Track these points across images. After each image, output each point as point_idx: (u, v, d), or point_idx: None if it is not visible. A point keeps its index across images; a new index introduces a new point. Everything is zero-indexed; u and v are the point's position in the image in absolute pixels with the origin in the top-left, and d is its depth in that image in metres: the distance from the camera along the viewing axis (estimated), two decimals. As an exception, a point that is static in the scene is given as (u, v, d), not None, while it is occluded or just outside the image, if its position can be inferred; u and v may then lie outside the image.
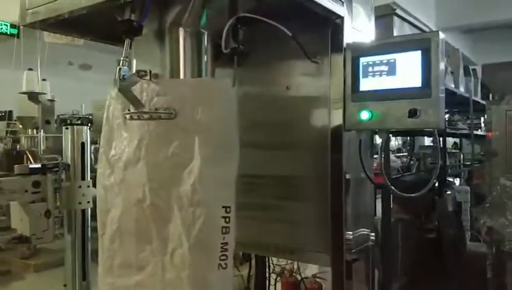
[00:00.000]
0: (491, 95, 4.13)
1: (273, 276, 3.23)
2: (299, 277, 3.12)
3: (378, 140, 4.74)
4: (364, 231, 2.11)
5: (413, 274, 4.07)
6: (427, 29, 4.18)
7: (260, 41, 2.09)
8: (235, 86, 1.78)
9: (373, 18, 2.34)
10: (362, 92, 1.79)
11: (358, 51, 1.81)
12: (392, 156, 4.69)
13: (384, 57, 1.74)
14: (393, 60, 1.73)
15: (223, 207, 1.64)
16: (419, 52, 1.67)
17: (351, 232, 1.96)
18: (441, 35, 1.73)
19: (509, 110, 3.38)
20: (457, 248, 4.46)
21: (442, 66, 1.74)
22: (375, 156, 4.45)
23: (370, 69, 1.77)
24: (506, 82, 3.52)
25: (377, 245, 3.73)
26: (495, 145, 3.55)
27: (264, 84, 2.31)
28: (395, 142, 6.31)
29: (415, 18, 4.68)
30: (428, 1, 6.40)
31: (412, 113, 1.66)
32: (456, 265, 4.28)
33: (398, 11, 3.79)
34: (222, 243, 1.62)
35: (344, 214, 1.92)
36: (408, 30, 3.94)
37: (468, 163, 5.11)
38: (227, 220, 1.63)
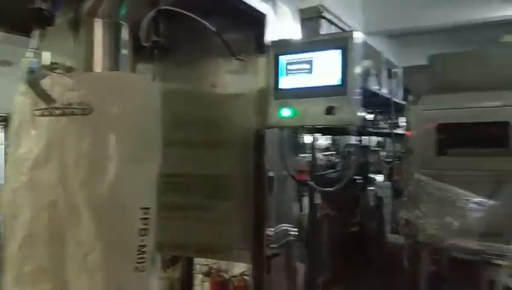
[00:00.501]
0: (410, 96, 4.41)
1: (201, 276, 3.20)
2: (227, 276, 3.12)
3: (307, 139, 4.90)
4: (285, 226, 2.15)
5: (338, 266, 4.25)
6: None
7: (185, 38, 2.05)
8: (158, 82, 1.72)
9: (298, 19, 2.39)
10: (283, 90, 1.82)
11: (279, 49, 1.84)
12: (320, 155, 4.84)
13: (303, 56, 1.78)
14: (311, 59, 1.77)
15: (141, 209, 1.58)
16: (335, 52, 1.73)
17: (272, 229, 1.99)
18: (357, 35, 1.80)
19: (425, 110, 3.61)
20: (378, 240, 4.73)
21: (358, 65, 1.81)
22: (304, 155, 4.61)
23: (290, 67, 1.81)
24: (422, 83, 3.77)
25: (302, 240, 3.86)
26: (412, 143, 3.78)
27: (189, 81, 2.27)
28: (324, 141, 6.50)
29: (342, 21, 4.88)
30: (356, 6, 6.73)
31: (329, 111, 1.72)
32: (377, 256, 4.54)
33: (326, 14, 3.93)
34: (140, 246, 1.56)
35: (266, 211, 1.94)
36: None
37: (390, 160, 5.43)
38: (146, 222, 1.57)
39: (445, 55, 3.79)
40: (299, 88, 1.80)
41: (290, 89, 1.82)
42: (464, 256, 3.32)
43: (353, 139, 5.93)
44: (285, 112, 1.81)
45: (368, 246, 4.70)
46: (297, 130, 2.10)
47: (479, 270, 3.17)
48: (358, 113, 1.77)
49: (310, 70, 1.78)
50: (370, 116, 5.49)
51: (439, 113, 3.51)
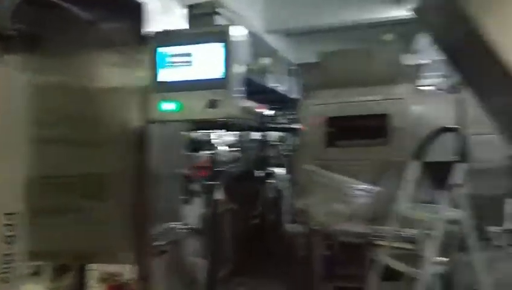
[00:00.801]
0: (304, 92, 4.65)
1: (95, 283, 3.02)
2: (123, 280, 2.99)
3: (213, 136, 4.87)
4: (173, 224, 2.11)
5: (239, 258, 4.33)
6: (251, 31, 4.46)
7: (59, 27, 1.90)
8: (28, 74, 1.57)
9: (185, 12, 2.36)
10: (163, 83, 1.78)
11: (159, 41, 1.79)
12: (223, 150, 4.87)
13: (184, 48, 1.76)
14: (191, 51, 1.76)
15: (6, 214, 1.43)
16: (216, 44, 1.73)
17: (159, 227, 1.94)
18: (237, 29, 1.81)
19: (315, 105, 3.81)
20: (277, 231, 4.91)
21: (241, 58, 1.83)
22: (209, 151, 4.59)
23: (170, 59, 1.77)
24: (314, 79, 3.96)
25: (204, 236, 3.85)
26: (304, 136, 3.97)
27: (67, 74, 2.10)
28: (231, 137, 6.52)
29: (242, 19, 4.94)
30: (257, 5, 6.89)
31: (211, 104, 1.72)
32: (276, 245, 4.71)
33: (221, 11, 3.94)
34: (6, 254, 1.42)
35: (149, 211, 1.89)
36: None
37: (288, 154, 5.67)
38: (11, 228, 1.43)
39: (332, 52, 4.03)
40: (180, 81, 1.77)
41: (171, 82, 1.78)
42: (351, 239, 3.58)
43: (257, 135, 6.08)
44: (167, 106, 1.77)
45: (268, 236, 4.85)
46: (197, 125, 2.06)
47: (365, 252, 3.43)
48: (241, 106, 1.79)
49: (190, 63, 1.76)
50: (269, 112, 5.69)
51: (327, 107, 3.73)
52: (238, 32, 1.82)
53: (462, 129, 2.73)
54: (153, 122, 1.85)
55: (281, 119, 5.56)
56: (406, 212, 2.94)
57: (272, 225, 4.83)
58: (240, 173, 4.57)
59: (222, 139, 6.26)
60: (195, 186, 4.19)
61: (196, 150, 4.29)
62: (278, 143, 5.90)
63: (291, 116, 5.93)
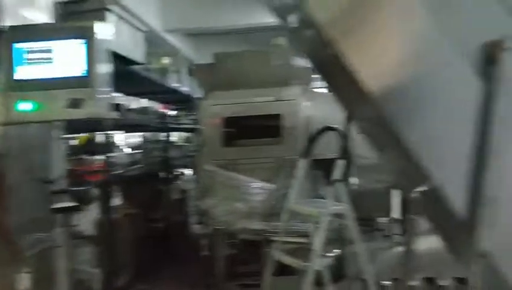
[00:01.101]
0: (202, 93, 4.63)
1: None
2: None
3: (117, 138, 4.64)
4: (40, 234, 1.96)
5: (141, 264, 4.18)
6: (146, 29, 4.33)
7: None
8: None
9: (50, 5, 2.20)
10: (20, 81, 1.65)
11: (16, 36, 1.66)
12: (122, 153, 4.68)
13: (43, 44, 1.65)
14: (52, 48, 1.65)
15: None
16: (78, 41, 1.64)
17: (23, 238, 1.79)
18: (104, 26, 1.74)
19: (212, 105, 3.80)
20: (182, 232, 4.84)
21: (105, 55, 1.75)
22: (110, 154, 4.37)
23: (28, 56, 1.65)
24: (209, 80, 3.96)
25: (97, 244, 3.66)
26: (204, 136, 3.95)
27: None
28: (136, 138, 6.30)
29: (136, 17, 4.77)
30: (155, 3, 6.75)
31: (73, 104, 1.63)
32: (180, 248, 4.64)
33: (112, 7, 3.76)
34: None
35: (5, 221, 1.73)
36: (126, 28, 3.98)
37: (192, 154, 5.62)
38: None
39: (227, 54, 4.06)
40: (39, 79, 1.65)
41: (29, 80, 1.66)
42: (251, 237, 3.64)
43: (161, 136, 5.94)
44: (24, 106, 1.64)
45: (172, 240, 4.76)
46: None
47: (262, 248, 3.51)
48: (107, 105, 1.71)
49: (50, 60, 1.65)
50: (172, 113, 5.60)
51: (224, 108, 3.75)
52: (104, 29, 1.75)
53: (343, 128, 2.89)
54: (9, 124, 1.70)
55: (184, 120, 5.50)
56: (295, 207, 3.05)
57: (177, 227, 4.75)
58: (140, 175, 4.44)
59: (126, 141, 6.04)
60: (90, 192, 3.99)
61: (94, 153, 4.08)
62: (184, 144, 5.84)
63: (194, 117, 5.88)
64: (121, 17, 3.80)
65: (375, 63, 1.32)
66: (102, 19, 3.56)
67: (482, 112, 1.23)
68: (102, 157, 4.09)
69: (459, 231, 1.30)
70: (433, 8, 1.27)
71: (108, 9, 3.60)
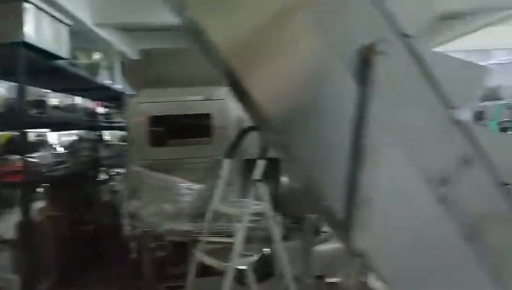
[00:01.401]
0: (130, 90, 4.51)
1: None
2: None
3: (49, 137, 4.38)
4: None
5: (65, 268, 4.00)
6: (71, 22, 4.15)
7: None
8: None
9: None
10: None
11: None
12: (47, 152, 4.45)
13: None
14: None
15: None
16: None
17: None
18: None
19: (140, 103, 3.71)
20: (112, 234, 4.68)
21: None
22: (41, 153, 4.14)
23: None
24: (136, 77, 3.85)
25: (15, 249, 3.47)
26: (132, 135, 3.84)
27: None
28: (70, 137, 6.04)
29: (60, 10, 4.57)
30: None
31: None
32: (111, 250, 4.48)
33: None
34: None
35: None
36: (47, 20, 3.79)
37: (125, 153, 5.46)
38: None
39: (155, 50, 3.99)
40: None
41: None
42: (178, 238, 3.58)
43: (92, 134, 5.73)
44: None
45: (101, 241, 4.60)
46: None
47: (190, 249, 3.47)
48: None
49: None
50: (104, 110, 5.41)
51: (152, 106, 3.67)
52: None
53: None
54: None
55: (117, 118, 5.33)
56: (219, 208, 3.04)
57: (107, 229, 4.59)
58: (66, 175, 4.25)
59: (60, 140, 5.77)
60: (10, 194, 3.78)
61: (17, 152, 3.85)
62: (118, 143, 5.66)
63: (111, 114, 5.70)
64: (40, 9, 3.62)
65: (263, 76, 1.31)
66: (19, 10, 3.40)
67: (357, 114, 1.27)
68: (20, 157, 3.88)
69: (339, 231, 1.34)
70: (316, 17, 1.29)
71: (26, 1, 3.43)
